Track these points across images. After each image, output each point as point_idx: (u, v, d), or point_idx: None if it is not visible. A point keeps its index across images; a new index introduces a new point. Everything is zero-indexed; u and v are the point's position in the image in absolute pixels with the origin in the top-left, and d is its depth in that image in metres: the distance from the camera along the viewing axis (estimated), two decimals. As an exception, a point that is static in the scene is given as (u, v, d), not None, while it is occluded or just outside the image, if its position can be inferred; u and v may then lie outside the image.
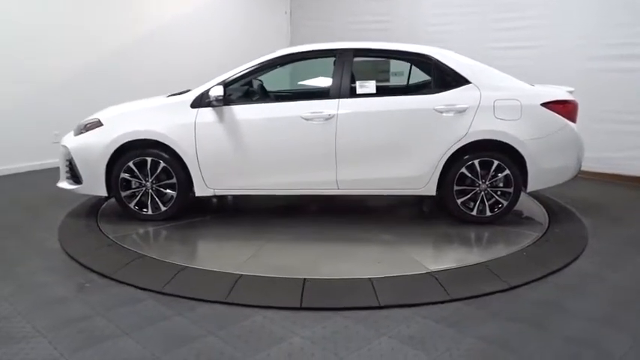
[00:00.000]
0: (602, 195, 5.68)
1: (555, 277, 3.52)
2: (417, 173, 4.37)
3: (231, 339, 2.75)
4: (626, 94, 5.97)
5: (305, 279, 3.34)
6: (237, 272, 3.47)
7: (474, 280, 3.39)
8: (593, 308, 3.10)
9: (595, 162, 5.90)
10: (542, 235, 4.26)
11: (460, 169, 4.38)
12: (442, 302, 3.13)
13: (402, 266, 3.57)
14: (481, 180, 4.39)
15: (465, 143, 4.31)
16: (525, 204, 5.03)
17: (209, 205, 5.15)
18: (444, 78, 4.48)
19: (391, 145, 4.36)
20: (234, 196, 5.25)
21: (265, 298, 3.15)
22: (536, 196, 5.21)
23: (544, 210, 4.94)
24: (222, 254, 3.95)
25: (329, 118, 4.31)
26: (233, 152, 4.39)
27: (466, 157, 4.36)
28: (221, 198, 5.27)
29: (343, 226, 4.48)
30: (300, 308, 3.06)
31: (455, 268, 3.56)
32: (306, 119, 4.33)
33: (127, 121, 4.49)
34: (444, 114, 4.31)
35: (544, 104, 4.35)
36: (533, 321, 2.94)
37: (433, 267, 3.55)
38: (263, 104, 4.57)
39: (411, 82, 5.09)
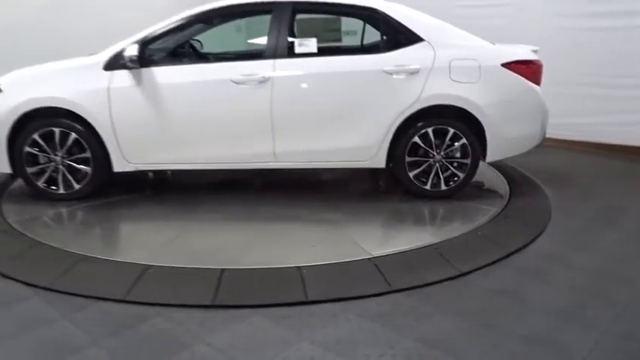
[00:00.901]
0: (568, 164, 5.30)
1: (513, 260, 3.11)
2: (363, 143, 3.88)
3: (118, 349, 2.26)
4: (596, 55, 5.53)
5: (223, 270, 2.86)
6: (147, 262, 2.96)
7: (421, 267, 2.96)
8: (554, 298, 2.69)
9: (561, 128, 5.48)
10: (502, 210, 3.84)
11: (412, 139, 3.90)
12: (381, 294, 2.69)
13: (341, 251, 3.11)
14: (435, 150, 3.93)
15: (417, 109, 3.82)
16: (485, 175, 4.61)
17: (143, 181, 4.60)
18: (394, 35, 3.96)
19: (334, 111, 3.85)
20: (173, 171, 4.68)
21: (172, 295, 2.66)
22: (497, 166, 4.78)
23: (505, 181, 4.52)
24: (137, 239, 3.45)
25: (263, 81, 3.77)
26: (154, 122, 3.83)
27: (419, 124, 3.88)
28: (158, 173, 4.70)
29: (283, 204, 3.99)
30: (213, 306, 2.58)
31: (401, 253, 3.12)
32: (237, 83, 3.78)
33: (29, 86, 3.87)
34: (394, 76, 3.80)
35: (505, 65, 3.87)
36: (484, 316, 2.52)
37: (376, 251, 3.10)
38: (188, 66, 3.98)
39: (365, 41, 4.54)
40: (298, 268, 2.88)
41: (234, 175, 4.61)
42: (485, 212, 3.78)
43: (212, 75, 3.85)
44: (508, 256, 3.14)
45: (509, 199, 4.08)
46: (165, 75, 3.82)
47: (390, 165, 4.00)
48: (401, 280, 2.80)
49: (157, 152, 3.92)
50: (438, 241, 3.28)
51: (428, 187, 4.00)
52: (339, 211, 3.80)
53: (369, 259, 3.01)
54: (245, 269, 2.89)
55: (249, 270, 2.89)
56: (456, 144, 3.93)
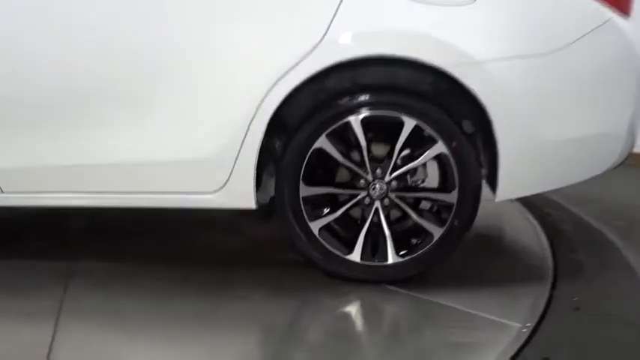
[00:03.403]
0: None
1: None
2: (192, 153, 1.61)
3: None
4: None
5: None
6: None
7: None
8: None
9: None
10: (534, 332, 1.49)
11: (313, 142, 1.60)
12: None
13: None
14: (373, 171, 1.62)
15: (319, 68, 1.53)
16: (497, 219, 2.28)
17: None
18: None
19: (123, 74, 1.59)
20: None
21: None
22: (527, 200, 2.40)
23: (543, 236, 2.15)
24: None
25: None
26: None
27: (328, 106, 1.60)
28: None
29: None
30: None
31: None
32: None
33: None
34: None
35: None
36: None
37: None
38: None
39: None
40: None
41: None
42: (493, 339, 1.45)
43: None
44: None
45: (553, 290, 1.72)
46: None
47: (266, 202, 1.72)
48: None
49: None
50: None
51: (354, 256, 1.67)
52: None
53: None
54: None
55: None
56: (423, 156, 1.62)
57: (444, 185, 1.68)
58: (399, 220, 1.71)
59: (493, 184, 1.66)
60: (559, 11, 1.61)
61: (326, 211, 1.67)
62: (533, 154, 1.62)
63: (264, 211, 1.73)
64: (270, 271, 1.82)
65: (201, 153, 1.60)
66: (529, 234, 2.18)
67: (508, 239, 2.19)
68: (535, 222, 2.29)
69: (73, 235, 2.12)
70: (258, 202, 1.67)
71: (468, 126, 1.67)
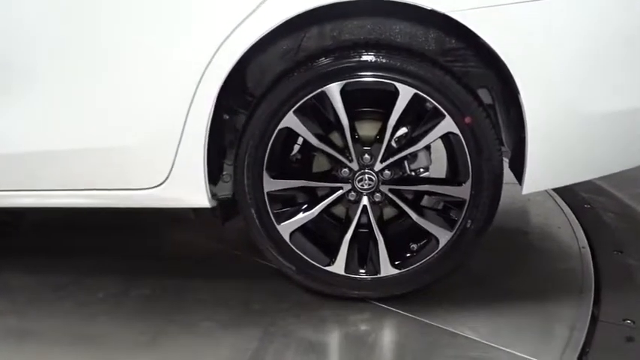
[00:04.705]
0: None
1: None
2: (120, 136, 1.23)
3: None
4: None
5: None
6: None
7: None
8: None
9: None
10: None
11: (280, 120, 1.21)
12: None
13: None
14: (358, 155, 1.23)
15: (283, 19, 1.12)
16: (521, 205, 1.88)
17: None
18: None
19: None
20: None
21: None
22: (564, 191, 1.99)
23: (580, 233, 1.74)
24: None
25: None
26: None
27: (297, 71, 1.19)
28: None
29: None
30: None
31: None
32: None
33: None
34: None
35: None
36: None
37: None
38: None
39: None
40: None
41: None
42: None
43: None
44: None
45: (596, 308, 1.32)
46: None
47: (223, 199, 1.34)
48: None
49: None
50: None
51: (337, 267, 1.29)
52: None
53: None
54: None
55: None
56: (426, 137, 1.22)
57: (454, 175, 1.29)
58: (394, 220, 1.32)
59: (519, 173, 1.26)
60: None
61: (300, 209, 1.29)
62: (575, 131, 1.21)
63: (224, 209, 1.36)
64: (233, 283, 1.45)
65: (131, 136, 1.21)
66: (562, 227, 1.77)
67: (534, 235, 1.78)
68: (569, 211, 1.89)
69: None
70: (216, 197, 1.31)
71: (485, 95, 1.27)
